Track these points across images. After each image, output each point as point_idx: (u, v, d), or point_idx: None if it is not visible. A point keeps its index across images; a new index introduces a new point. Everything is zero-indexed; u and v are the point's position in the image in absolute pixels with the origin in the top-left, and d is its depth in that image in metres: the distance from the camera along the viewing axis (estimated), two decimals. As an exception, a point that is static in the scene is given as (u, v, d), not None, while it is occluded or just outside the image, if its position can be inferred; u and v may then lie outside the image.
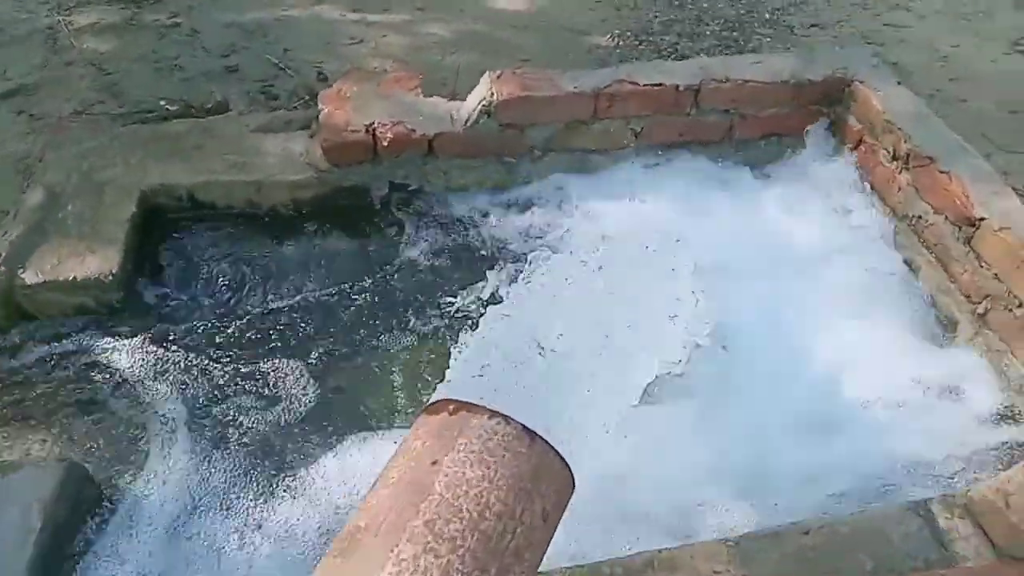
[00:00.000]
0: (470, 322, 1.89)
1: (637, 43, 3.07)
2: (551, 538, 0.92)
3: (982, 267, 1.86)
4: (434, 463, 0.86)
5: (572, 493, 0.95)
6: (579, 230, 2.14)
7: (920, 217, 2.07)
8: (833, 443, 1.64)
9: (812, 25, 3.37)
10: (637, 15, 3.27)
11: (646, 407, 1.41)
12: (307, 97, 2.46)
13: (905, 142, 2.09)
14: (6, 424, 1.66)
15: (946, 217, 1.98)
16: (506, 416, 0.91)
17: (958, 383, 1.78)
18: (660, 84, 2.16)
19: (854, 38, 3.23)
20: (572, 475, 0.93)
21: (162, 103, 2.38)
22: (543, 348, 1.08)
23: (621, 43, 3.08)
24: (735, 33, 3.27)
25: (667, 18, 3.30)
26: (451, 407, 0.94)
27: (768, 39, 3.23)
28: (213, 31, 2.76)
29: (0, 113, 2.29)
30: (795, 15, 3.44)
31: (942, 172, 1.99)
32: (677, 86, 2.17)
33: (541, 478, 0.89)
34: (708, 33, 3.25)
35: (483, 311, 1.49)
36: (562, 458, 0.92)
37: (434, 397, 0.99)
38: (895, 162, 2.14)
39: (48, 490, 1.43)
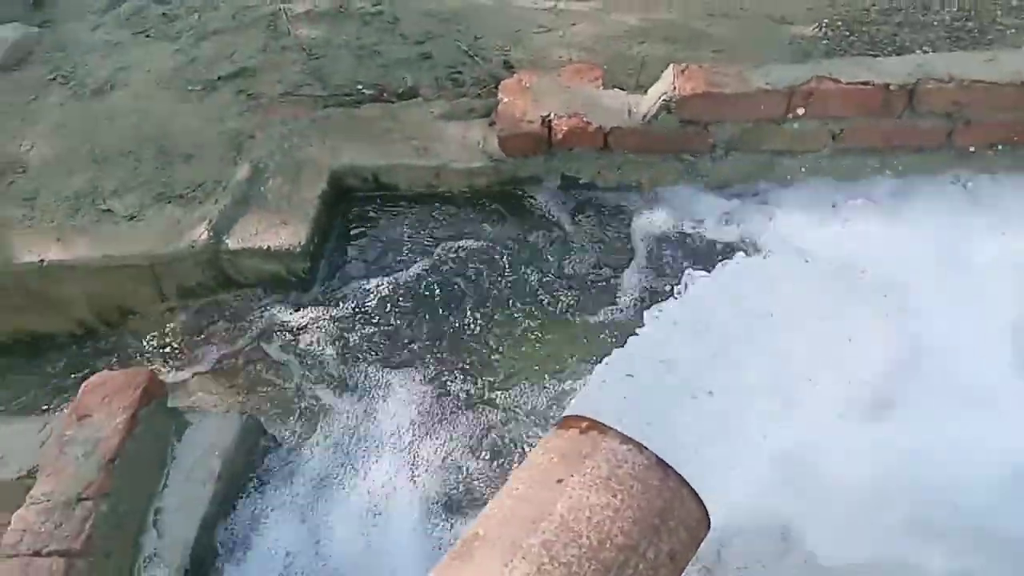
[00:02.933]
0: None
1: (848, 34, 2.78)
2: (677, 582, 0.86)
3: None
4: (559, 482, 0.84)
5: (707, 534, 0.88)
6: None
7: None
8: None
9: (1070, 15, 2.87)
10: (851, 2, 2.97)
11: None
12: (492, 85, 2.49)
13: None
14: (197, 375, 1.87)
15: None
16: (640, 444, 0.86)
17: None
18: (867, 83, 1.94)
19: (1126, 31, 2.71)
20: (708, 516, 0.86)
21: (359, 87, 2.53)
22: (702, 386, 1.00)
23: (830, 33, 2.80)
24: (970, 23, 2.86)
25: (887, 4, 2.95)
26: (583, 425, 0.90)
27: (1012, 31, 2.80)
28: (411, 19, 2.88)
29: (224, 92, 2.55)
30: (1050, 3, 2.95)
31: None
32: (888, 85, 1.93)
33: (672, 515, 0.83)
34: (936, 23, 2.87)
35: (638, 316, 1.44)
36: (697, 497, 0.86)
37: (570, 408, 0.96)
38: None
39: (229, 438, 1.58)
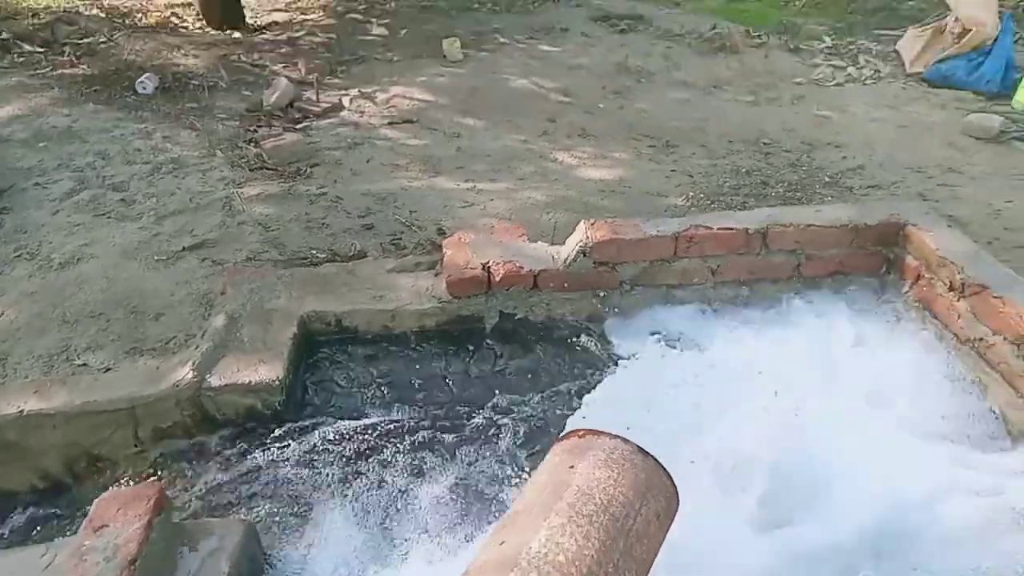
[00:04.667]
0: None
1: (709, 203, 3.50)
2: (663, 540, 1.15)
3: (1043, 378, 2.03)
4: (571, 467, 1.14)
5: (678, 506, 1.19)
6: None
7: (981, 339, 2.28)
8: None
9: (870, 186, 3.74)
10: (708, 181, 3.73)
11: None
12: (430, 247, 2.94)
13: (959, 273, 2.34)
14: (197, 500, 2.00)
15: (1005, 338, 2.19)
16: (624, 438, 1.19)
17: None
18: (731, 228, 2.53)
19: (910, 195, 3.57)
20: (677, 491, 1.18)
21: (313, 252, 2.91)
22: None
23: (695, 204, 3.51)
24: (798, 194, 3.67)
25: (735, 183, 3.74)
26: (580, 433, 1.22)
27: (830, 198, 3.61)
28: (352, 198, 3.36)
29: (189, 261, 2.85)
30: (853, 179, 3.83)
31: (996, 297, 2.22)
32: (747, 229, 2.53)
33: (653, 485, 1.14)
34: (773, 195, 3.66)
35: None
36: (670, 475, 1.18)
37: (566, 430, 1.27)
38: (952, 292, 2.39)
39: (234, 543, 1.72)
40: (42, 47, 5.21)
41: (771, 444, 1.93)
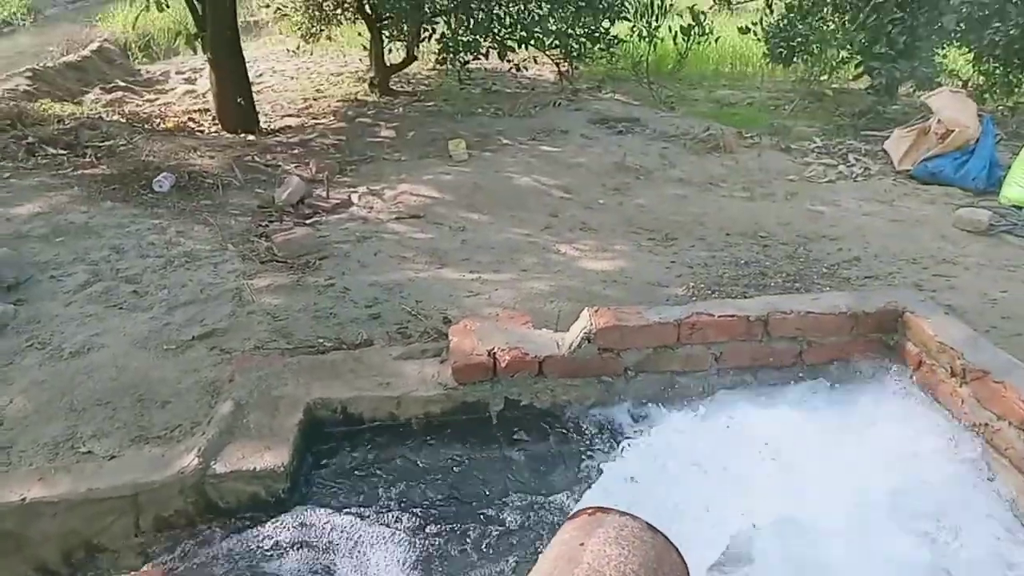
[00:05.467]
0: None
1: (710, 292, 3.56)
2: (673, 618, 1.13)
3: (1051, 462, 2.02)
4: (581, 544, 1.14)
5: (687, 582, 1.18)
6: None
7: (987, 425, 2.28)
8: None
9: (867, 277, 3.82)
10: (708, 272, 3.82)
11: None
12: (436, 335, 2.98)
13: (959, 359, 2.37)
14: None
15: (1010, 423, 2.19)
16: (633, 515, 1.19)
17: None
18: (733, 315, 2.58)
19: (906, 285, 3.64)
20: (687, 568, 1.17)
21: (321, 340, 2.95)
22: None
23: (695, 294, 3.57)
24: (796, 284, 3.74)
25: (734, 274, 3.82)
26: (590, 511, 1.23)
27: (827, 288, 3.67)
28: (359, 289, 3.43)
29: (198, 349, 2.88)
30: (850, 270, 3.92)
31: (997, 382, 2.24)
32: (748, 316, 2.58)
33: (664, 562, 1.14)
34: (772, 285, 3.73)
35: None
36: (679, 552, 1.17)
37: (576, 508, 1.28)
38: (954, 378, 2.41)
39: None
40: (65, 149, 5.43)
41: (775, 528, 1.91)
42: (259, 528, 2.19)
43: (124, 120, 6.53)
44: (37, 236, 3.95)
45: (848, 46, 7.07)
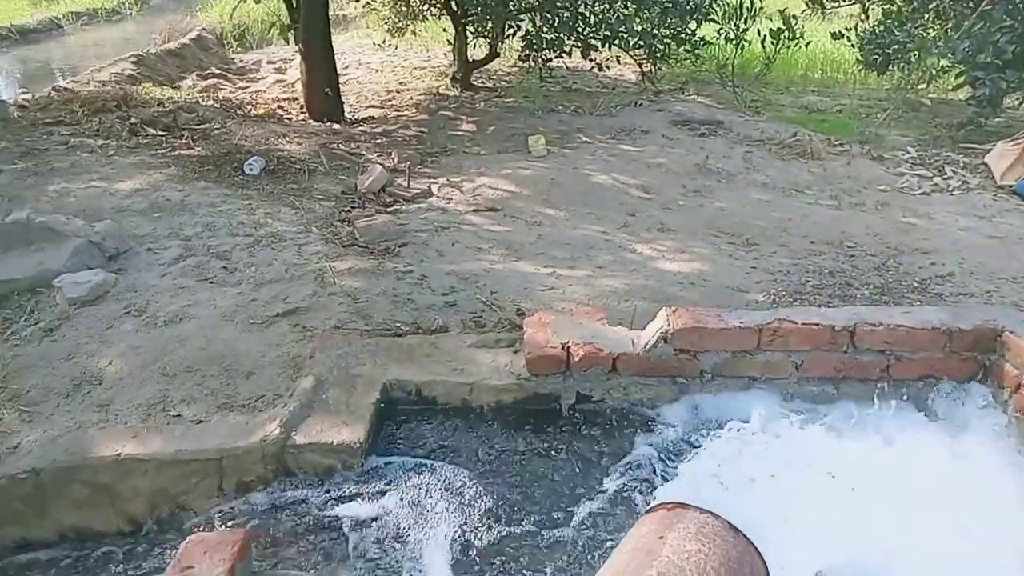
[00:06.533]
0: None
1: (792, 301, 3.46)
2: (753, 619, 1.11)
3: None
4: (660, 538, 1.13)
5: (768, 587, 1.15)
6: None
7: (1091, 454, 2.14)
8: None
9: (961, 294, 3.64)
10: (790, 279, 3.71)
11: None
12: (509, 326, 3.00)
13: (1063, 384, 2.23)
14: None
15: (1119, 454, 2.05)
16: (714, 513, 1.17)
17: None
18: (817, 323, 2.50)
19: (1005, 304, 3.45)
20: (768, 571, 1.14)
21: (398, 324, 3.01)
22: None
23: (776, 301, 3.47)
24: (884, 297, 3.59)
25: (818, 283, 3.70)
26: (668, 506, 1.21)
27: (918, 303, 3.51)
28: (437, 277, 3.48)
29: (281, 326, 2.99)
30: (943, 285, 3.74)
31: (1104, 409, 2.10)
32: (834, 326, 2.49)
33: (744, 563, 1.12)
34: (858, 296, 3.60)
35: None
36: (762, 556, 1.15)
37: (654, 503, 1.26)
38: (1057, 403, 2.27)
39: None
40: (164, 131, 5.71)
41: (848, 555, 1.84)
42: (332, 499, 2.25)
43: (218, 105, 6.81)
44: (137, 211, 4.16)
45: (950, 55, 6.72)
